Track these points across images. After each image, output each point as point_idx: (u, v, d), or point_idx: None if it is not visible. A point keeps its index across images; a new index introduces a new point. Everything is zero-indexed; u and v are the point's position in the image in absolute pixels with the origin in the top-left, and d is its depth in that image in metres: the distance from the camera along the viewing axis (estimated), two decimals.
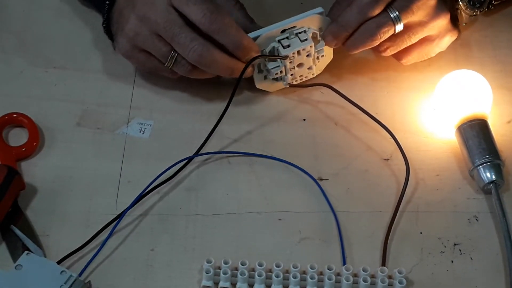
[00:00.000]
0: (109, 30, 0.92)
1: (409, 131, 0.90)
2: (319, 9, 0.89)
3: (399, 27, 0.88)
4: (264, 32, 0.88)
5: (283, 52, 0.88)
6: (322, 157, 0.88)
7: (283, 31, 0.88)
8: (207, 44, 0.86)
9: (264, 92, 0.92)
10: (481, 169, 0.85)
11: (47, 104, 0.91)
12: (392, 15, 0.87)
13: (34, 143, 0.87)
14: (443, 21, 0.90)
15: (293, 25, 0.88)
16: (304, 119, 0.91)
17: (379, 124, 0.88)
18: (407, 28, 0.89)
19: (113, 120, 0.90)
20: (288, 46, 0.88)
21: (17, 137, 0.88)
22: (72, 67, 0.94)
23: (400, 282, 0.77)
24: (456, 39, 0.95)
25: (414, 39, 0.90)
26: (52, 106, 0.91)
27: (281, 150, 0.88)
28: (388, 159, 0.88)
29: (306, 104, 0.92)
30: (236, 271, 0.77)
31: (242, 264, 0.77)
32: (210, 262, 0.77)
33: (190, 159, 0.86)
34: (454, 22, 0.92)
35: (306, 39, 0.88)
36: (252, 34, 0.88)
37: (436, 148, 0.89)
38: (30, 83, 0.93)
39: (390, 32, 0.88)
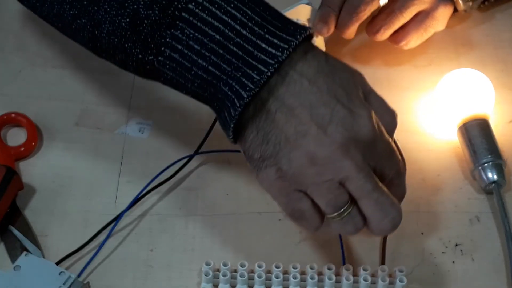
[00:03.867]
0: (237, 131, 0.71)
1: (410, 130, 0.90)
2: (305, 0, 0.88)
3: (383, 0, 0.88)
4: None
5: None
6: None
7: None
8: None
9: None
10: (483, 169, 0.84)
11: (45, 103, 0.91)
12: None
13: (33, 143, 0.87)
14: None
15: None
16: None
17: None
18: (396, 2, 0.89)
19: (112, 120, 0.90)
20: None
21: (16, 137, 0.88)
22: (71, 66, 0.94)
23: (401, 280, 0.77)
24: (457, 38, 0.95)
25: (406, 14, 0.90)
26: (50, 105, 0.91)
27: None
28: None
29: None
30: (236, 273, 0.77)
31: (241, 266, 0.77)
32: (209, 265, 0.77)
33: (190, 157, 0.86)
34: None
35: None
36: None
37: (437, 148, 0.89)
38: (29, 82, 0.93)
39: (375, 4, 0.88)
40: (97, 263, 0.79)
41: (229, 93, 0.69)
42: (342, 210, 0.70)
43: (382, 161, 0.71)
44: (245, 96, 0.68)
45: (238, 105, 0.68)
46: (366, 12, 0.88)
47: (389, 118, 0.72)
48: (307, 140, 0.68)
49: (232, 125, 0.69)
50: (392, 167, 0.71)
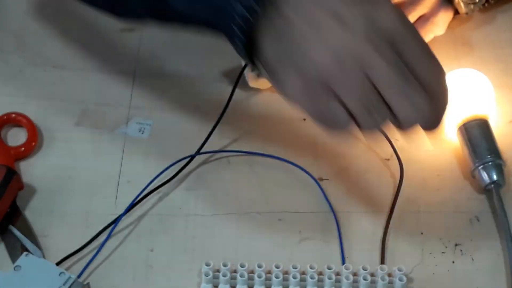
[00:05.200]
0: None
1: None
2: None
3: None
4: None
5: None
6: (322, 157, 0.87)
7: None
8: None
9: (264, 92, 0.92)
10: (483, 169, 0.84)
11: (46, 103, 0.91)
12: None
13: (33, 143, 0.87)
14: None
15: None
16: (304, 119, 0.90)
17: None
18: None
19: (112, 119, 0.90)
20: None
21: (16, 137, 0.88)
22: (71, 67, 0.94)
23: (400, 280, 0.77)
24: (457, 38, 0.95)
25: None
26: (51, 105, 0.91)
27: (281, 150, 0.87)
28: (389, 159, 0.87)
29: None
30: (236, 273, 0.77)
31: (241, 266, 0.77)
32: (209, 265, 0.77)
33: (192, 157, 0.86)
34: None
35: None
36: None
37: (437, 148, 0.89)
38: (29, 82, 0.93)
39: None
40: (97, 263, 0.79)
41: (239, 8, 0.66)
42: (367, 101, 0.66)
43: (412, 57, 0.66)
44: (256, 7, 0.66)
45: (248, 16, 0.66)
46: None
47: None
48: (325, 34, 0.65)
49: (243, 39, 0.67)
50: (425, 65, 0.67)
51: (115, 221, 0.81)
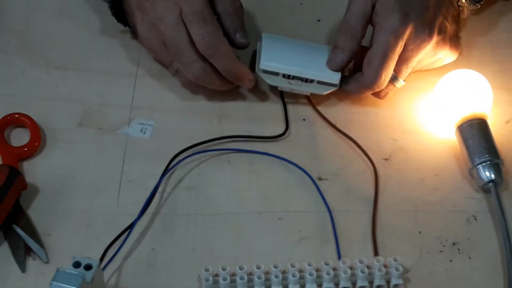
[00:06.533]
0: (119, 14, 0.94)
1: (408, 130, 0.90)
2: (336, 79, 0.89)
3: (400, 85, 0.91)
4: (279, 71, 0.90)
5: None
6: (321, 157, 0.88)
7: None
8: (207, 67, 0.88)
9: (264, 92, 0.93)
10: (481, 168, 0.85)
11: (48, 104, 0.91)
12: (396, 84, 0.90)
13: (36, 143, 0.88)
14: (443, 52, 0.91)
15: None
16: (304, 119, 0.91)
17: (351, 140, 0.89)
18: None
19: (114, 120, 0.90)
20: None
21: (19, 137, 0.89)
22: (74, 68, 0.95)
23: (397, 269, 0.78)
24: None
25: (413, 70, 0.91)
26: (53, 106, 0.91)
27: (281, 150, 0.88)
28: (387, 159, 0.88)
29: (306, 104, 0.92)
30: (235, 277, 0.77)
31: (240, 269, 0.77)
32: (208, 270, 0.77)
33: (191, 155, 0.87)
34: (455, 44, 0.92)
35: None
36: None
37: (436, 147, 0.89)
38: (32, 83, 0.93)
39: (393, 91, 0.91)
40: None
41: None
42: (171, 67, 0.91)
43: None
44: None
45: None
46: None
47: None
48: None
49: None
50: None
51: (131, 226, 0.81)
